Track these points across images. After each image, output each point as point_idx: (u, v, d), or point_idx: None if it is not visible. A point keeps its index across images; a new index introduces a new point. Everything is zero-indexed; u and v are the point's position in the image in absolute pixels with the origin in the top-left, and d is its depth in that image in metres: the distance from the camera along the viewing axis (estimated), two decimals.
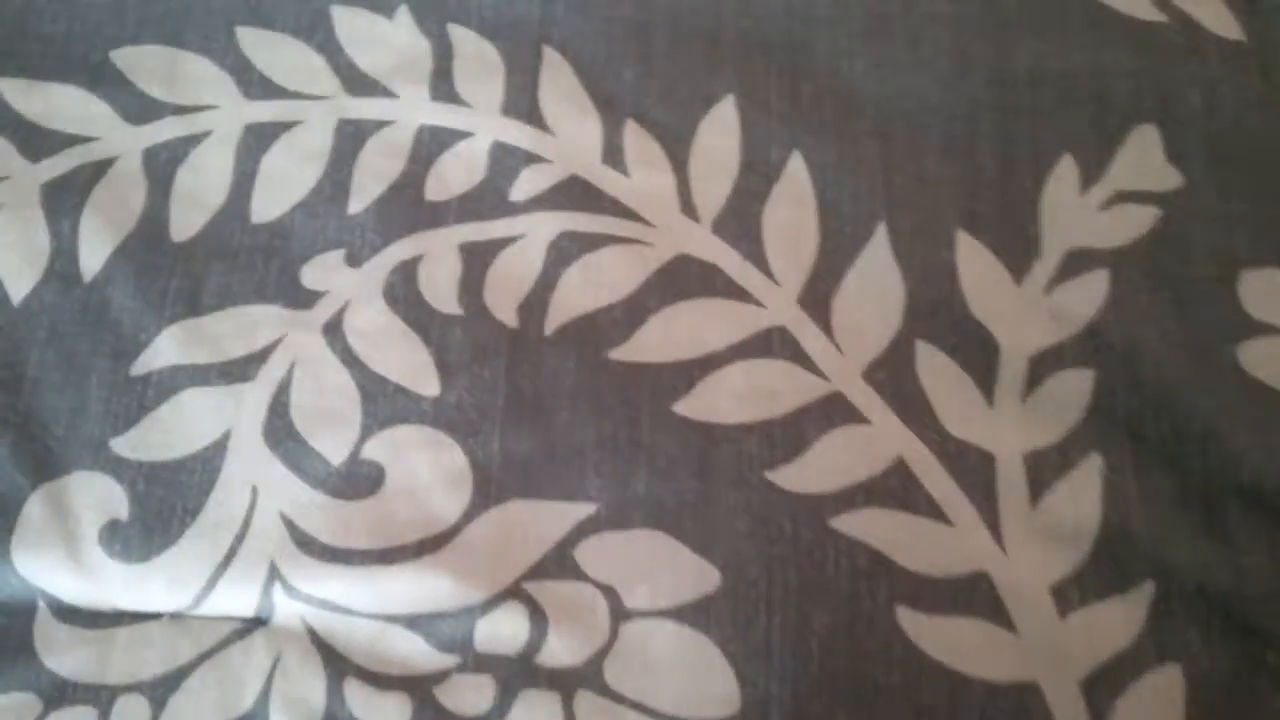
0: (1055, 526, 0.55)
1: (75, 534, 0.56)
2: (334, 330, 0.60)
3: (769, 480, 0.57)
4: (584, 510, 0.56)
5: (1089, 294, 0.60)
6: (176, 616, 0.56)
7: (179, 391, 0.59)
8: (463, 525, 0.56)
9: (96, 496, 0.57)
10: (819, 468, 0.57)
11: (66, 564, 0.56)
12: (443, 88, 0.66)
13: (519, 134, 0.64)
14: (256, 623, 0.55)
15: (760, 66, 0.66)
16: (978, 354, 0.59)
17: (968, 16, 0.67)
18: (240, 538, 0.56)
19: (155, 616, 0.56)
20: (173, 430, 0.58)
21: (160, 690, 0.54)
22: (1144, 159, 0.63)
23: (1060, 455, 0.57)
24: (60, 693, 0.54)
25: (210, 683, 0.54)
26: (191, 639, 0.55)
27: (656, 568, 0.55)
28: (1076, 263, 0.61)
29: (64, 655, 0.55)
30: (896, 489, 0.56)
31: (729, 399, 0.58)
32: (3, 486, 0.57)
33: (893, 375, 0.59)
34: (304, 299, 0.61)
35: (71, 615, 0.56)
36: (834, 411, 0.58)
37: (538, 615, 0.54)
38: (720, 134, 0.64)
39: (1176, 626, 0.53)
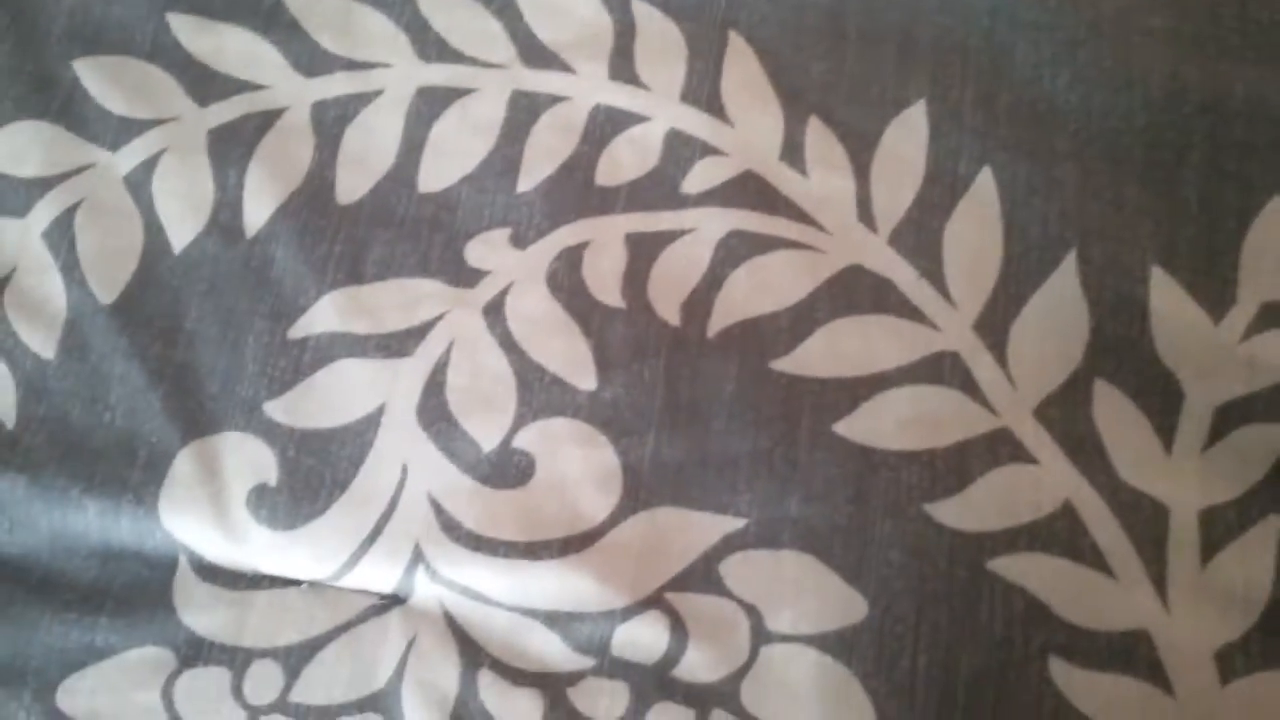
0: (1225, 589, 0.57)
1: (223, 495, 0.60)
2: (495, 312, 0.62)
3: (927, 513, 0.58)
4: (733, 524, 0.59)
5: None
6: (316, 585, 0.59)
7: (336, 360, 0.62)
8: (609, 527, 0.59)
9: (247, 459, 0.60)
10: (981, 505, 0.59)
11: (212, 523, 0.60)
12: (622, 67, 0.68)
13: (697, 122, 0.66)
14: (394, 600, 0.59)
15: (956, 71, 0.67)
16: (1160, 399, 0.60)
17: (1185, 35, 0.67)
18: (387, 515, 0.59)
19: (295, 583, 0.59)
20: (327, 399, 0.61)
21: (295, 659, 0.58)
22: None
23: (1237, 513, 0.58)
24: (196, 651, 0.58)
25: (345, 656, 0.58)
26: (329, 610, 0.59)
27: (803, 591, 0.57)
28: (1276, 315, 0.61)
29: (202, 613, 0.59)
30: (1062, 535, 0.58)
31: (892, 424, 0.60)
32: (154, 438, 0.61)
33: (1066, 414, 0.60)
34: (467, 277, 0.63)
35: (212, 574, 0.60)
36: (1000, 448, 0.60)
37: (678, 627, 0.57)
38: (907, 140, 0.66)
39: None
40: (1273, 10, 0.67)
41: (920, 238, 0.64)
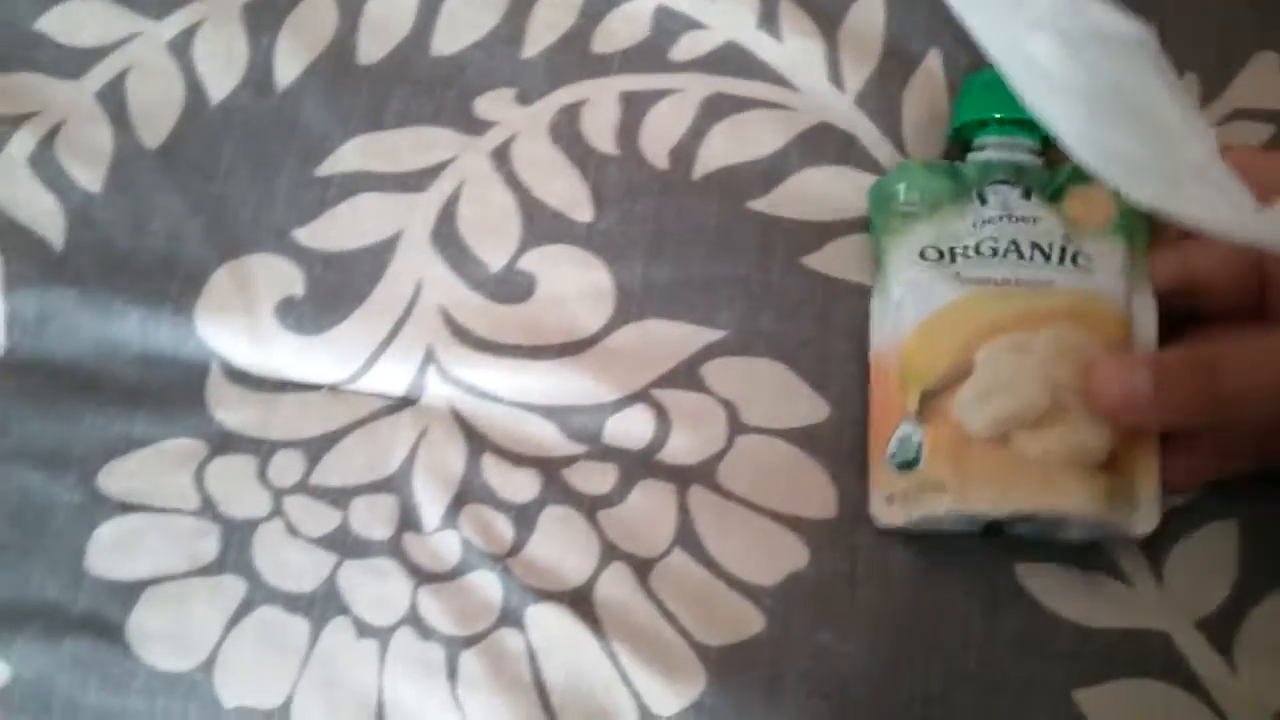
0: None
1: (254, 305, 0.68)
2: (502, 156, 0.72)
3: None
4: (714, 335, 0.67)
5: None
6: (335, 389, 0.67)
7: (358, 194, 0.71)
8: (603, 335, 0.67)
9: (277, 275, 0.69)
10: None
11: (244, 330, 0.68)
12: None
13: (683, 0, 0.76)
14: (405, 402, 0.67)
15: None
16: None
17: None
18: (402, 322, 0.68)
19: (316, 388, 0.67)
20: (350, 226, 0.70)
21: (315, 448, 0.66)
22: (1263, 81, 0.73)
23: None
24: (225, 441, 0.66)
25: (361, 446, 0.66)
26: (347, 409, 0.67)
27: (774, 393, 0.66)
28: None
29: (232, 411, 0.67)
30: None
31: (855, 262, 0.69)
32: (193, 258, 0.70)
33: None
34: (476, 127, 0.72)
35: (241, 378, 0.68)
36: None
37: (663, 418, 0.65)
38: (868, 22, 0.75)
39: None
40: None
41: (881, 102, 0.73)
